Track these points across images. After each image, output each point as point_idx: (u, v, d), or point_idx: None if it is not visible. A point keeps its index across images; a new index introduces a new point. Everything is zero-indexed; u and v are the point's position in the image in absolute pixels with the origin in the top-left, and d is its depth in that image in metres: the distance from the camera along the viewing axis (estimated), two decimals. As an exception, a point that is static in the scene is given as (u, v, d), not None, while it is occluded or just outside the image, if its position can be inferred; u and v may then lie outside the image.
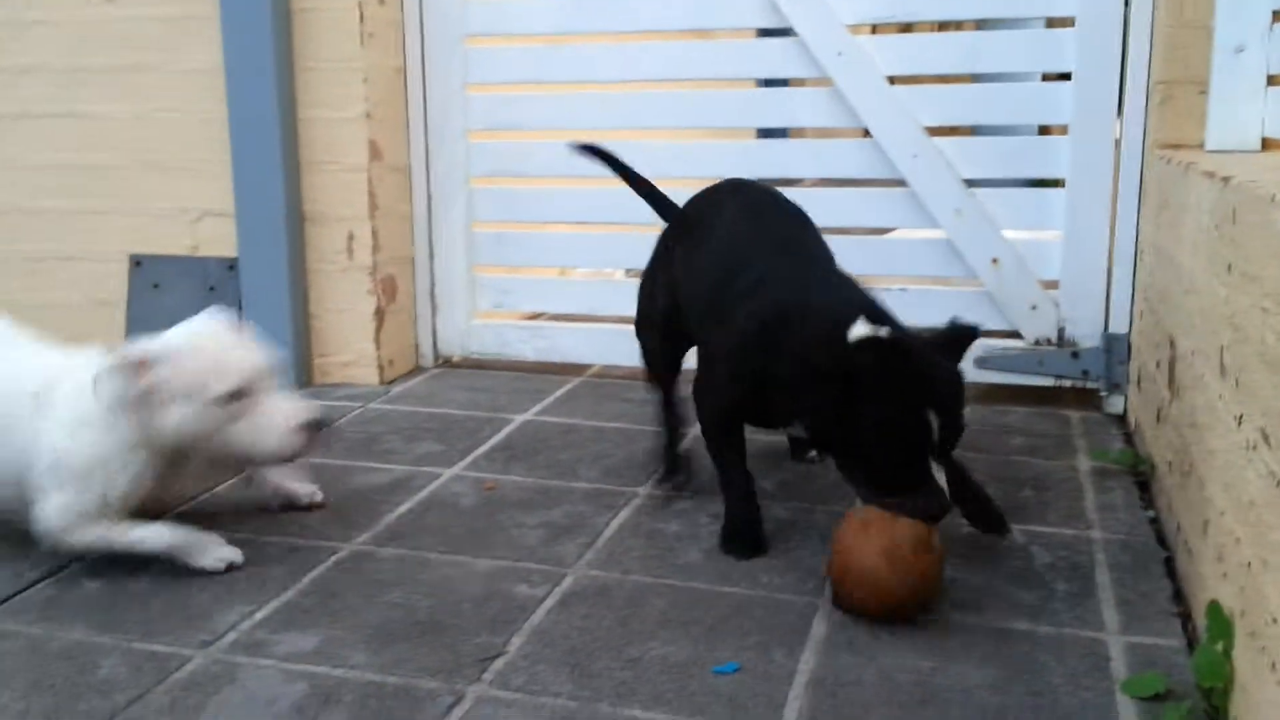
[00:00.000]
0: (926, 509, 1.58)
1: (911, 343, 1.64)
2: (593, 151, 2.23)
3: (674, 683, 1.42)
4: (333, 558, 1.80)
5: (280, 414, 1.72)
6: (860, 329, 1.63)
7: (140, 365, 1.68)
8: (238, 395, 1.70)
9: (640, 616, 1.60)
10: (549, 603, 1.64)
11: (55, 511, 1.71)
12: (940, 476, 1.59)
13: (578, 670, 1.46)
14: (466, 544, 1.86)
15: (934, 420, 1.56)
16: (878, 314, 1.68)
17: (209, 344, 1.74)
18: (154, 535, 1.76)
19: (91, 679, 1.44)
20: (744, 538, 1.81)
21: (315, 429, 1.74)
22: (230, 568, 1.75)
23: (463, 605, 1.64)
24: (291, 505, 2.02)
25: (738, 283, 1.82)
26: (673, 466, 2.13)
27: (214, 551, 1.77)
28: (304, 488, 2.03)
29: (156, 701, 1.40)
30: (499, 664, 1.48)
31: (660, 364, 2.15)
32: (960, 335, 1.70)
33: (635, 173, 2.22)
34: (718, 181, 2.12)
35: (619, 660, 1.48)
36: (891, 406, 1.57)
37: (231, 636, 1.55)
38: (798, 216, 2.00)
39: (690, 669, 1.46)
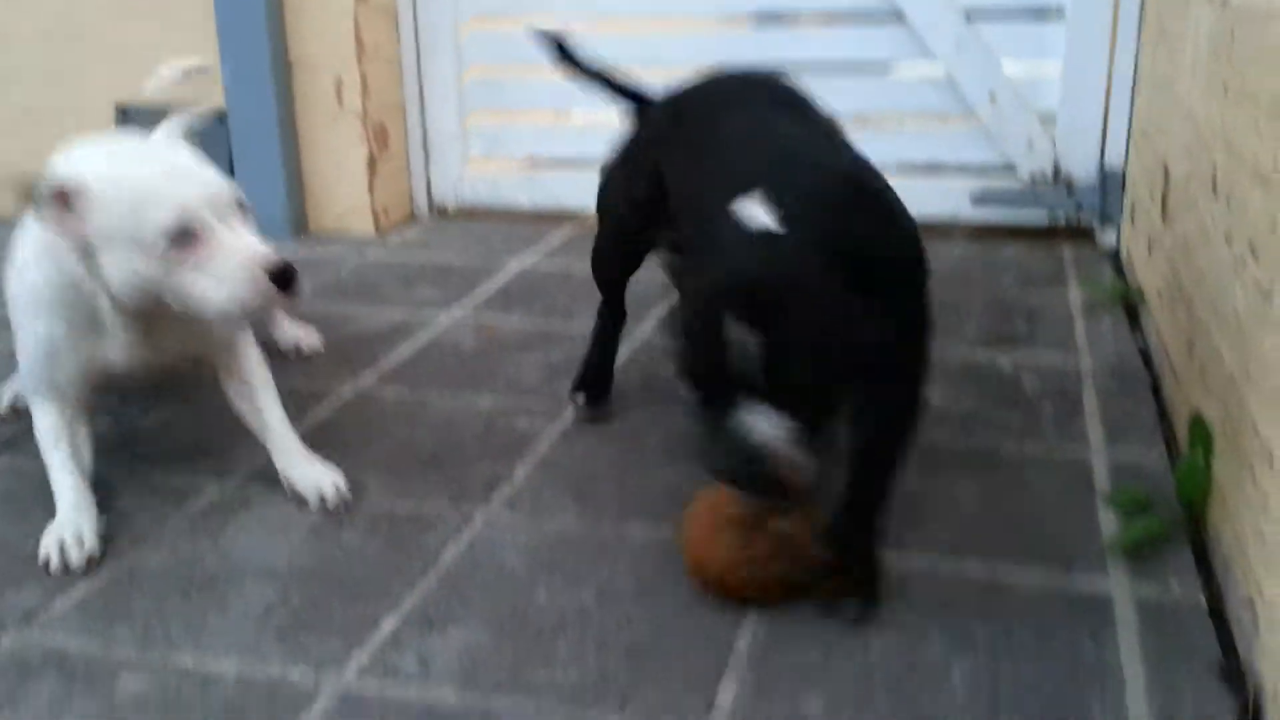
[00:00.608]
0: (712, 463, 1.17)
1: (788, 242, 1.17)
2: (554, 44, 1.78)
3: (673, 505, 1.47)
4: (338, 398, 1.84)
5: (238, 259, 1.34)
6: (749, 204, 1.20)
7: (63, 198, 1.34)
8: (183, 236, 1.34)
9: (639, 449, 1.64)
10: (550, 436, 1.69)
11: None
12: (768, 425, 1.12)
13: (580, 494, 1.51)
14: (468, 383, 1.89)
15: (743, 338, 1.10)
16: (815, 206, 1.20)
17: (146, 170, 1.37)
18: (63, 480, 1.46)
19: (110, 508, 1.49)
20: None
21: (282, 277, 1.35)
22: (65, 569, 1.37)
23: (467, 439, 1.69)
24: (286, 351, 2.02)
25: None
26: (602, 386, 1.80)
27: (67, 532, 1.40)
28: (296, 333, 2.05)
29: (176, 526, 1.45)
30: (504, 490, 1.53)
31: (614, 269, 1.77)
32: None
33: (595, 67, 1.77)
34: (729, 72, 1.64)
35: (619, 486, 1.53)
36: (692, 302, 1.19)
37: (245, 470, 1.60)
38: (821, 119, 1.52)
39: (688, 493, 1.51)
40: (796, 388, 1.13)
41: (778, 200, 1.19)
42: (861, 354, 1.16)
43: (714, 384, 1.15)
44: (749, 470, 1.14)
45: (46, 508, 1.45)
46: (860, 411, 1.32)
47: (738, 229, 1.19)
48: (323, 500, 1.49)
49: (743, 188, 1.23)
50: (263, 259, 1.35)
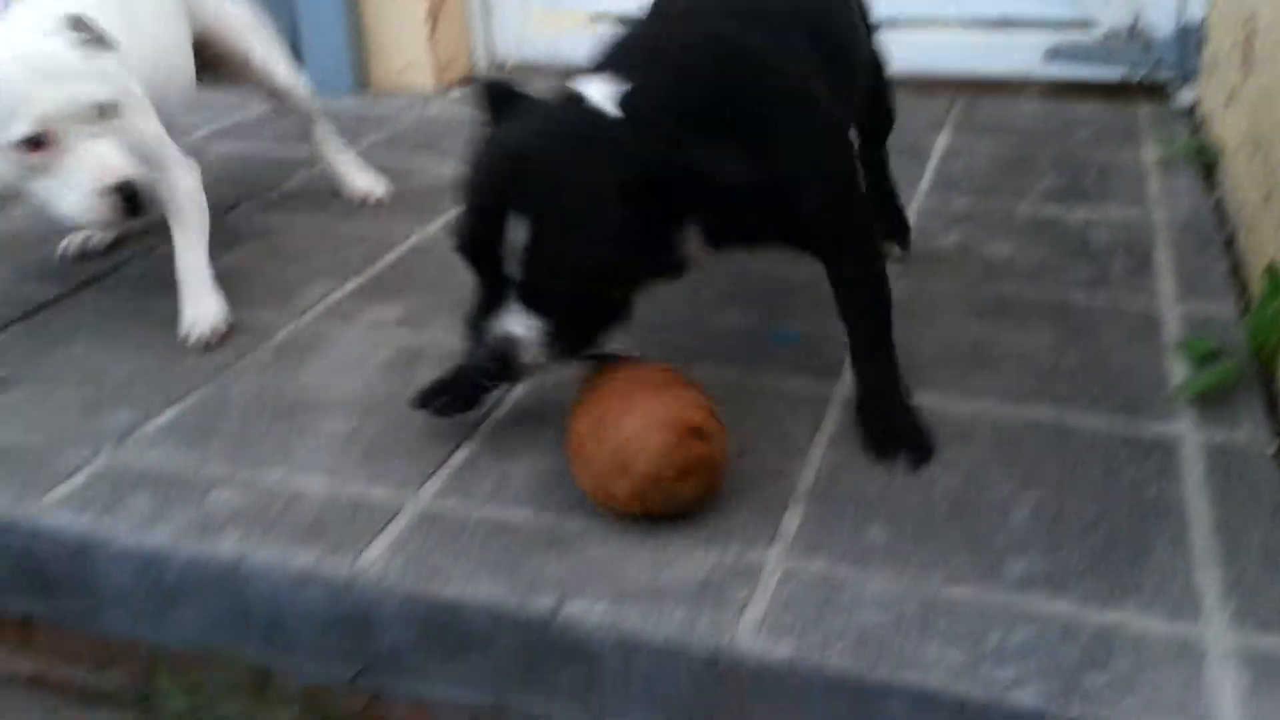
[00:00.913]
0: (464, 350, 1.14)
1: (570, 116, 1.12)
2: None
3: (741, 347, 1.49)
4: (406, 245, 1.86)
5: (89, 174, 1.35)
6: (595, 82, 1.13)
7: None
8: (35, 141, 1.34)
9: (703, 298, 1.65)
10: (616, 282, 1.70)
11: None
12: (515, 324, 1.08)
13: (651, 337, 1.51)
14: (534, 232, 1.90)
15: (508, 220, 1.04)
16: (663, 79, 1.14)
17: (7, 69, 1.34)
18: None
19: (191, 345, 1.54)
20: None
21: (126, 196, 1.37)
22: None
23: (534, 284, 1.70)
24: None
25: None
26: None
27: None
28: (364, 183, 2.06)
29: (258, 360, 1.50)
30: (572, 332, 1.55)
31: None
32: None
33: None
34: None
35: (688, 331, 1.55)
36: (474, 167, 1.13)
37: (320, 308, 1.64)
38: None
39: (756, 336, 1.53)
40: (547, 286, 1.06)
41: (638, 86, 1.11)
42: (631, 265, 1.10)
43: (480, 265, 1.09)
44: (485, 368, 1.12)
45: (134, 339, 1.51)
46: (833, 285, 1.31)
47: (564, 104, 1.12)
48: (201, 335, 1.52)
49: (628, 64, 1.16)
50: (113, 177, 1.35)
